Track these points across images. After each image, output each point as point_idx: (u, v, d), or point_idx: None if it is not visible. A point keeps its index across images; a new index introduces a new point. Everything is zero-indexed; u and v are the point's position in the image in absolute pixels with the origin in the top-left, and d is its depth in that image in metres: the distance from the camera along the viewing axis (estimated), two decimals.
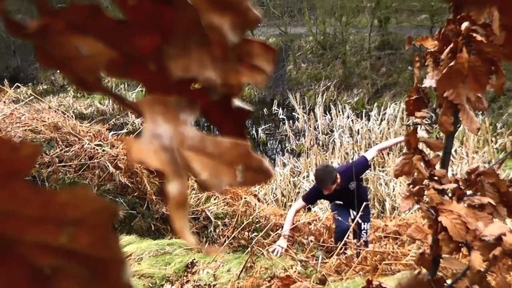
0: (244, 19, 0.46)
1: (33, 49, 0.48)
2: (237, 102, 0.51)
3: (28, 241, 0.41)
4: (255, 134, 18.23)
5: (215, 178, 0.43)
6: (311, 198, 7.43)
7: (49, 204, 0.40)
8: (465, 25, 2.07)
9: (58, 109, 11.26)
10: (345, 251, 6.30)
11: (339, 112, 17.26)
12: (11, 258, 0.41)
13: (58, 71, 0.49)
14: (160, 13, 0.47)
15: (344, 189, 7.13)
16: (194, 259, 5.82)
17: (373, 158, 8.46)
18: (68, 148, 8.41)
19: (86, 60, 0.48)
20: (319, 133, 16.82)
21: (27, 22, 0.47)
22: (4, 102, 10.10)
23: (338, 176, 6.96)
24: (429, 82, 2.21)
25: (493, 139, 14.27)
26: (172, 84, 0.47)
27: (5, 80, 14.70)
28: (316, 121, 17.23)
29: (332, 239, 7.24)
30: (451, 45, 2.10)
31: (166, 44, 0.47)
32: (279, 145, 17.47)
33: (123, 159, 7.90)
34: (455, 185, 2.23)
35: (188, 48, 0.47)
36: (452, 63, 2.06)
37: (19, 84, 14.20)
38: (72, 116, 10.69)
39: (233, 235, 7.27)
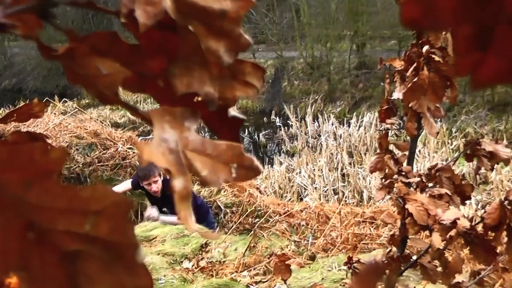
0: (237, 43, 0.46)
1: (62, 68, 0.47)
2: (232, 112, 0.51)
3: (58, 229, 0.40)
4: (257, 139, 18.24)
5: (214, 174, 0.42)
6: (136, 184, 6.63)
7: (75, 198, 0.40)
8: (425, 48, 2.07)
9: (97, 119, 11.30)
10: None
11: (325, 120, 17.24)
12: (45, 243, 0.40)
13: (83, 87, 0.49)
14: (166, 39, 0.47)
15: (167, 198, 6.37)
16: (208, 241, 5.81)
17: None
18: (105, 151, 8.48)
19: (106, 78, 0.47)
20: (309, 137, 16.81)
21: (56, 46, 0.46)
22: (55, 114, 10.15)
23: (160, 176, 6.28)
24: (397, 95, 2.21)
25: (449, 141, 14.27)
26: (178, 97, 0.46)
27: (55, 96, 14.72)
28: (307, 127, 17.22)
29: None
30: (415, 65, 2.10)
31: (172, 64, 0.47)
32: (277, 147, 17.47)
33: None
34: (418, 179, 2.23)
35: (190, 68, 0.46)
36: (415, 79, 2.06)
37: (66, 99, 14.23)
38: (108, 124, 10.75)
39: (239, 221, 7.28)
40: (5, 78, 28.75)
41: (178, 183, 0.41)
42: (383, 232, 6.12)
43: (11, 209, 0.39)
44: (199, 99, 0.47)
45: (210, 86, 0.46)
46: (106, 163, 8.30)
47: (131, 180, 6.86)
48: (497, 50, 0.32)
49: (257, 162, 0.43)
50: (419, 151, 12.63)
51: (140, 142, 0.41)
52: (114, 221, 0.40)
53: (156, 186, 6.24)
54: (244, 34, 0.46)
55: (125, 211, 0.40)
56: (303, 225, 7.07)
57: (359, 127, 15.88)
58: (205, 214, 6.63)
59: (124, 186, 6.81)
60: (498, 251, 1.99)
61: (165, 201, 6.40)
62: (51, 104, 12.11)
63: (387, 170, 2.33)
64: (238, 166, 0.42)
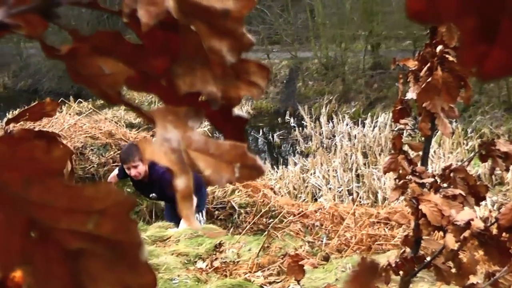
0: (239, 43, 0.46)
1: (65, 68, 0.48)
2: (237, 111, 0.51)
3: (61, 227, 0.40)
4: (271, 139, 18.24)
5: (217, 174, 0.42)
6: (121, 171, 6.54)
7: (78, 197, 0.40)
8: (439, 48, 2.06)
9: (112, 120, 11.35)
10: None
11: (339, 120, 17.21)
12: (48, 241, 0.41)
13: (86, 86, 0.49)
14: (169, 39, 0.47)
15: (152, 184, 6.28)
16: (222, 241, 5.82)
17: None
18: (120, 151, 8.49)
19: (108, 77, 0.47)
20: (323, 138, 16.78)
21: (59, 46, 0.46)
22: (70, 114, 10.21)
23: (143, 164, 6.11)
24: (411, 95, 2.20)
25: (465, 142, 14.20)
26: (182, 97, 0.46)
27: (71, 96, 14.80)
28: (321, 128, 17.19)
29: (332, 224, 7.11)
30: (428, 65, 2.09)
31: (175, 64, 0.47)
32: (291, 148, 17.45)
33: None
34: (432, 180, 2.22)
35: (193, 67, 0.46)
36: (429, 79, 2.05)
37: (81, 100, 14.30)
38: (123, 125, 10.81)
39: (253, 221, 7.28)
40: (21, 79, 28.98)
41: (180, 182, 0.41)
42: (398, 233, 6.09)
43: (13, 207, 0.39)
44: (203, 98, 0.47)
45: (213, 86, 0.46)
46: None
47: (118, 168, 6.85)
48: (502, 42, 0.32)
49: (260, 162, 0.43)
50: (434, 151, 12.57)
51: (143, 140, 0.41)
52: (117, 220, 0.40)
53: (135, 171, 6.14)
54: (246, 33, 0.46)
55: (128, 210, 0.40)
56: (317, 226, 7.05)
57: (374, 127, 15.83)
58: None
59: (112, 175, 6.84)
60: None
61: (151, 187, 6.35)
62: (66, 105, 12.17)
63: (401, 171, 2.32)
64: (241, 165, 0.42)
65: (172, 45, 0.46)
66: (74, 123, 9.14)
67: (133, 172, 6.14)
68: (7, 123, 1.00)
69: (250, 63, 0.48)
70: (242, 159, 0.42)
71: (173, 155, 0.41)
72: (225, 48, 0.45)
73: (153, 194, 6.49)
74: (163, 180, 6.09)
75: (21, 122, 0.99)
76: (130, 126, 13.90)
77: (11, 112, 14.55)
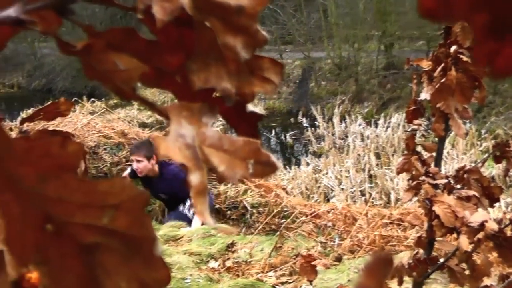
0: (253, 39, 0.46)
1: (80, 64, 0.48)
2: (250, 108, 0.51)
3: (76, 222, 0.41)
4: (284, 139, 18.22)
5: (231, 170, 0.43)
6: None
7: (93, 192, 0.41)
8: (453, 48, 2.05)
9: (125, 119, 11.39)
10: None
11: (352, 121, 17.16)
12: (63, 236, 0.41)
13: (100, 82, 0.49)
14: (183, 35, 0.47)
15: (163, 183, 6.28)
16: (234, 241, 5.83)
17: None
18: None
19: (123, 73, 0.48)
20: (336, 138, 16.74)
21: (74, 42, 0.47)
22: (83, 113, 10.26)
23: (156, 158, 6.12)
24: (425, 95, 2.20)
25: (479, 143, 14.13)
26: (196, 93, 0.46)
27: (84, 96, 14.87)
28: (334, 128, 17.15)
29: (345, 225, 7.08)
30: (442, 65, 2.08)
31: (189, 60, 0.47)
32: (303, 148, 17.43)
33: None
34: (446, 181, 2.21)
35: (207, 63, 0.47)
36: (443, 80, 2.05)
37: (94, 99, 14.36)
38: (136, 124, 10.87)
39: (265, 221, 7.27)
40: (35, 78, 29.13)
41: (194, 178, 0.41)
42: (411, 234, 6.07)
43: (28, 202, 0.40)
44: (218, 94, 0.47)
45: (227, 82, 0.46)
46: None
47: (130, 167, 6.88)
48: None
49: (274, 158, 0.43)
50: (448, 152, 12.51)
51: (157, 136, 0.41)
52: (131, 215, 0.40)
53: (136, 166, 6.20)
54: (261, 30, 0.46)
55: (142, 204, 0.40)
56: (329, 226, 7.04)
57: (387, 128, 15.77)
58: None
59: (124, 174, 6.87)
60: None
61: (161, 187, 6.34)
62: (79, 104, 12.22)
63: (414, 172, 2.31)
64: (255, 162, 0.43)
65: (187, 41, 0.46)
66: (87, 122, 9.18)
67: (134, 165, 6.26)
68: (22, 122, 1.00)
69: (264, 59, 0.49)
70: (256, 155, 0.42)
71: (187, 150, 0.42)
72: (239, 44, 0.46)
73: (162, 194, 6.53)
74: (176, 180, 6.08)
75: (35, 122, 0.99)
76: (143, 125, 13.96)
77: (25, 111, 14.61)
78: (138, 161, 6.22)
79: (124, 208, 0.40)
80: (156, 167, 6.31)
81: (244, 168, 0.42)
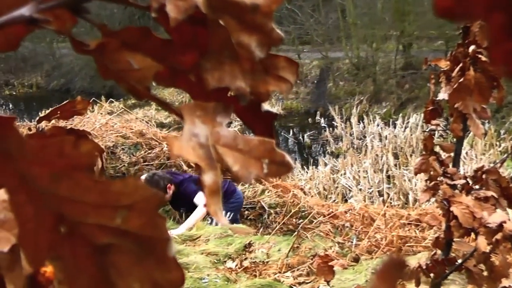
0: (269, 38, 0.46)
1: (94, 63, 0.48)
2: (266, 107, 0.51)
3: (89, 222, 0.41)
4: (302, 139, 18.20)
5: (245, 170, 0.42)
6: None
7: (106, 192, 0.40)
8: (472, 48, 2.03)
9: (143, 119, 11.43)
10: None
11: (370, 121, 17.09)
12: (76, 237, 0.41)
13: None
14: (198, 33, 0.47)
15: (181, 200, 6.56)
16: (251, 241, 5.84)
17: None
18: (150, 151, 8.60)
19: (137, 72, 0.48)
20: (354, 138, 16.69)
21: (88, 41, 0.47)
22: (101, 113, 10.32)
23: (170, 185, 6.32)
24: (443, 95, 2.18)
25: (497, 143, 14.02)
26: (211, 92, 0.46)
27: (102, 96, 14.93)
28: (352, 128, 17.11)
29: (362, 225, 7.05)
30: (461, 65, 2.07)
31: (203, 59, 0.47)
32: (321, 148, 17.40)
33: None
34: (464, 181, 2.20)
35: (221, 62, 0.46)
36: (461, 80, 2.03)
37: (112, 100, 14.41)
38: (154, 125, 10.89)
39: (283, 221, 7.27)
40: (54, 78, 29.34)
41: (208, 178, 0.41)
42: (429, 235, 6.04)
43: (41, 202, 0.40)
44: (232, 94, 0.47)
45: (242, 81, 0.46)
46: (151, 163, 8.40)
47: None
48: None
49: (288, 158, 0.43)
50: (466, 153, 12.42)
51: (170, 136, 0.41)
52: (145, 215, 0.40)
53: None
54: (276, 28, 0.46)
55: (156, 205, 0.40)
56: (347, 227, 7.01)
57: (405, 128, 15.70)
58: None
59: None
60: None
61: (179, 203, 6.61)
62: (97, 104, 12.28)
63: (432, 172, 2.30)
64: (269, 161, 0.42)
65: (201, 40, 0.46)
66: (105, 122, 9.24)
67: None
68: (39, 121, 1.01)
69: (279, 58, 0.48)
70: (270, 155, 0.42)
71: (201, 150, 0.41)
72: (254, 43, 0.45)
73: (182, 209, 6.79)
74: (193, 195, 6.32)
75: (53, 121, 1.00)
76: (161, 125, 13.98)
77: (43, 111, 14.72)
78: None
79: (137, 208, 0.40)
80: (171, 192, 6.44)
81: (259, 168, 0.42)
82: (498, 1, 0.31)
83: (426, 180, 2.32)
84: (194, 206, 6.36)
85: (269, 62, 0.48)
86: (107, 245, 0.41)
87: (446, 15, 0.32)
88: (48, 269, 0.64)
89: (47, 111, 1.02)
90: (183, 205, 6.63)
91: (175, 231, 6.24)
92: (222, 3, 0.44)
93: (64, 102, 1.00)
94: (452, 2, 0.31)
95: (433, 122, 2.34)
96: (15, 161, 0.39)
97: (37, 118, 1.02)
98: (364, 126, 17.09)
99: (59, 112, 0.97)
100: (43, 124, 1.02)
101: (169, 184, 6.32)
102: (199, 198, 6.35)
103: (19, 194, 0.39)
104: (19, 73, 30.56)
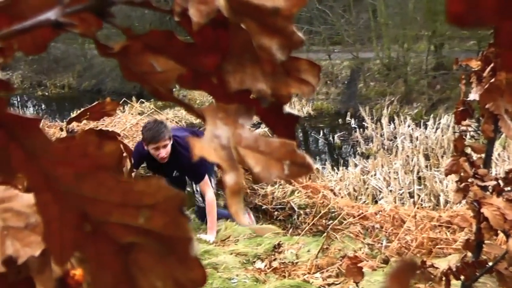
0: (289, 40, 0.47)
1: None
2: (287, 109, 0.51)
3: (112, 222, 0.42)
4: (332, 140, 18.15)
5: (266, 171, 0.43)
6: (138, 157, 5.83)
7: (129, 192, 0.41)
8: None
9: (173, 120, 11.50)
10: None
11: (401, 122, 16.97)
12: (100, 235, 0.42)
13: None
14: (219, 36, 0.48)
15: (175, 159, 5.70)
16: (281, 241, 5.84)
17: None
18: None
19: (160, 75, 0.49)
20: (384, 139, 16.60)
21: (112, 44, 0.48)
22: (132, 114, 10.40)
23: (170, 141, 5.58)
24: (474, 96, 2.16)
25: None
26: (233, 94, 0.47)
27: (133, 97, 15.06)
28: (382, 129, 17.01)
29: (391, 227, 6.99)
30: (492, 65, 2.05)
31: (225, 61, 0.48)
32: (351, 149, 17.33)
33: None
34: (495, 183, 2.18)
35: (243, 64, 0.47)
36: (493, 80, 2.01)
37: (143, 100, 14.51)
38: (184, 125, 10.92)
39: (312, 222, 7.25)
40: (85, 79, 29.67)
41: (229, 179, 0.41)
42: (460, 237, 5.98)
43: (66, 202, 0.41)
44: (254, 96, 0.48)
45: (263, 83, 0.47)
46: None
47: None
48: None
49: (309, 159, 0.43)
50: (499, 154, 12.26)
51: (192, 137, 0.42)
52: (167, 215, 0.41)
53: (165, 152, 5.60)
54: (296, 31, 0.46)
55: (178, 205, 0.41)
56: (377, 228, 6.98)
57: (436, 129, 15.56)
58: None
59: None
60: None
61: (173, 165, 5.81)
62: (128, 105, 12.39)
63: (462, 173, 2.28)
64: (290, 163, 0.43)
65: (223, 43, 0.47)
66: (136, 123, 9.30)
67: (163, 153, 5.62)
68: (69, 122, 1.03)
69: (300, 61, 0.49)
70: (291, 157, 0.43)
71: (223, 151, 0.42)
72: (275, 45, 0.46)
73: (176, 172, 5.98)
74: (185, 151, 5.60)
75: (85, 122, 1.02)
76: (191, 126, 14.06)
77: (75, 111, 14.88)
78: (164, 146, 5.59)
79: (160, 208, 0.41)
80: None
81: (280, 169, 0.42)
82: (509, 8, 0.31)
83: (456, 182, 2.30)
84: (192, 174, 5.89)
85: (291, 65, 0.48)
86: (130, 244, 0.42)
87: (458, 22, 0.32)
88: (77, 272, 0.65)
89: (77, 113, 1.04)
90: (177, 166, 5.88)
91: (208, 237, 6.03)
92: (244, 6, 0.44)
93: (94, 104, 1.01)
94: (464, 9, 0.31)
95: (464, 123, 2.33)
96: (40, 161, 0.40)
97: (67, 120, 1.03)
98: (395, 127, 16.98)
99: (88, 113, 0.99)
100: (74, 125, 1.04)
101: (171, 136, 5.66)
102: (205, 185, 5.91)
103: (44, 193, 0.41)
104: (51, 74, 30.97)
